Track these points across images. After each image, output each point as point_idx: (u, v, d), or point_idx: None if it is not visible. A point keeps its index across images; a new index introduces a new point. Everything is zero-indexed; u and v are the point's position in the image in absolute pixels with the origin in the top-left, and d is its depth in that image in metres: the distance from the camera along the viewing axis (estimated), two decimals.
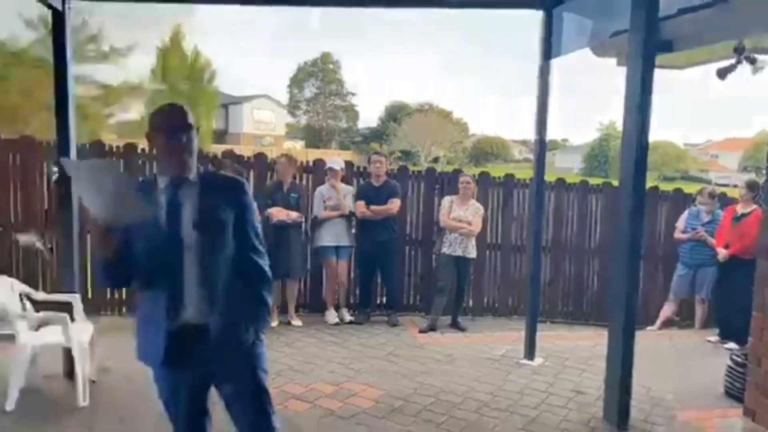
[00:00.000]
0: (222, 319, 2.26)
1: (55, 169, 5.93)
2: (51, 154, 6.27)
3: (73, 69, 4.52)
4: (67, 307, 4.25)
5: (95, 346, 4.44)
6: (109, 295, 6.49)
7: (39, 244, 6.31)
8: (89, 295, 6.34)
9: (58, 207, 4.48)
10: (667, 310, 6.91)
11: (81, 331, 4.17)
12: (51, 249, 6.37)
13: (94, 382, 4.31)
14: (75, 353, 3.94)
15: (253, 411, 2.41)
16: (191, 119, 2.25)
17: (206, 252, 2.25)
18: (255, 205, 2.43)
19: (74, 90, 4.46)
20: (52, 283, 6.33)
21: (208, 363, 2.30)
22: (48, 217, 6.36)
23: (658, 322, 6.95)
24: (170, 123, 2.23)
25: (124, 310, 6.49)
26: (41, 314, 4.32)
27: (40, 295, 4.54)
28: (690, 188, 8.29)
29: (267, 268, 2.42)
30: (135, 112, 18.84)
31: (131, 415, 3.83)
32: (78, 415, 3.80)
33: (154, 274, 2.23)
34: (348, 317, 6.50)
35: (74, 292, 4.40)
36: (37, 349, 4.14)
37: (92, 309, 6.32)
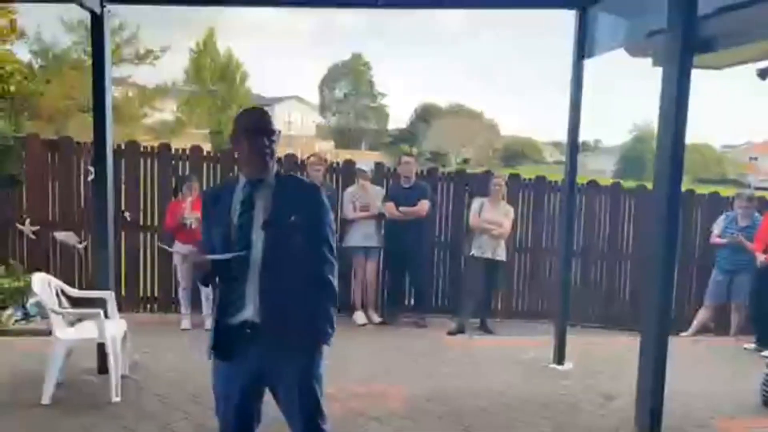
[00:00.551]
0: (280, 323, 2.27)
1: (92, 168, 6.08)
2: (88, 154, 6.45)
3: (111, 71, 4.62)
4: (101, 304, 4.35)
5: (128, 342, 4.54)
6: (141, 293, 6.62)
7: (76, 242, 6.48)
8: (123, 293, 6.50)
9: (95, 206, 4.58)
10: (703, 315, 6.74)
11: (114, 327, 4.27)
12: (86, 247, 6.54)
13: (126, 377, 4.41)
14: (108, 349, 4.03)
15: (303, 420, 2.39)
16: (274, 124, 2.35)
17: (271, 253, 2.27)
18: (331, 214, 2.45)
19: (111, 91, 4.55)
20: (87, 281, 6.50)
21: (260, 363, 2.31)
22: (84, 216, 6.53)
23: (693, 328, 6.78)
24: (256, 126, 2.32)
25: (156, 307, 6.62)
26: (76, 310, 4.44)
27: (76, 292, 4.67)
28: (727, 192, 8.08)
29: (334, 281, 2.41)
30: (169, 112, 19.20)
31: (161, 411, 3.89)
32: (111, 409, 3.88)
33: (223, 270, 2.30)
34: (376, 318, 6.51)
35: (108, 289, 4.49)
36: (73, 344, 4.25)
37: (126, 306, 6.49)
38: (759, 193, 7.34)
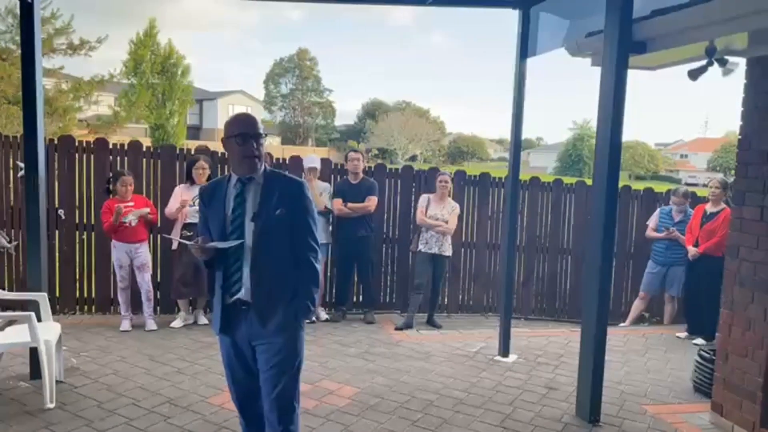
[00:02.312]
0: (266, 300, 2.60)
1: (21, 165, 5.78)
2: (18, 149, 6.12)
3: (42, 61, 4.39)
4: (33, 307, 4.14)
5: (63, 345, 4.34)
6: (77, 294, 6.35)
7: (6, 242, 6.15)
8: (57, 294, 6.21)
9: (26, 204, 4.35)
10: (638, 306, 7.03)
11: (48, 330, 4.07)
12: (18, 247, 6.21)
13: (61, 382, 4.22)
14: (41, 353, 3.84)
15: (274, 389, 2.63)
16: (261, 128, 2.66)
17: (259, 242, 2.59)
18: (313, 205, 2.74)
19: (42, 82, 4.33)
20: (18, 282, 6.18)
21: (250, 335, 2.64)
22: (14, 214, 6.20)
23: (629, 319, 7.06)
24: (243, 131, 2.60)
25: (93, 308, 6.36)
26: (6, 313, 4.22)
27: (6, 294, 4.43)
28: (660, 187, 8.43)
29: (317, 264, 2.71)
30: (106, 106, 18.43)
31: (99, 416, 3.75)
32: (45, 416, 3.71)
33: (220, 257, 2.63)
34: (324, 315, 6.47)
35: (41, 291, 4.27)
36: (2, 349, 4.03)
37: (61, 308, 6.21)
38: (690, 189, 7.68)
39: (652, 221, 6.94)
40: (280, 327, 2.62)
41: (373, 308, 6.69)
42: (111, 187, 5.80)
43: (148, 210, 5.72)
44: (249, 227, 2.60)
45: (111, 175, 5.97)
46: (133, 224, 5.61)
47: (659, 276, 6.77)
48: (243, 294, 2.62)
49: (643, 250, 7.33)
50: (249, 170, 2.62)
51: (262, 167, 2.67)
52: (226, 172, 6.53)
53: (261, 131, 2.64)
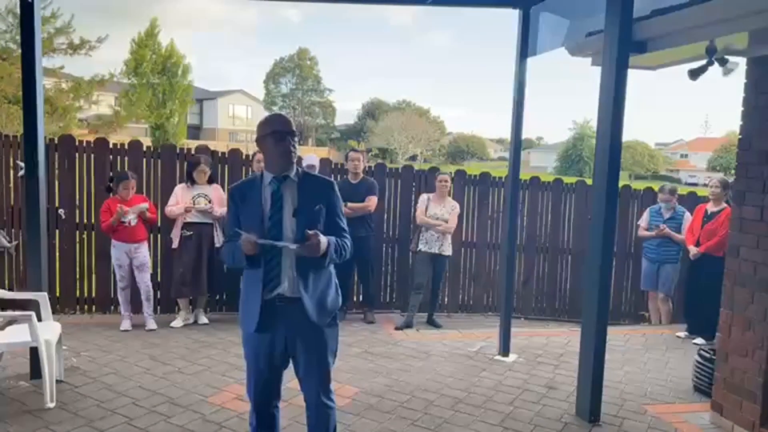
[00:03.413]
0: (312, 293, 2.70)
1: (22, 164, 5.78)
2: (18, 149, 6.12)
3: (42, 61, 4.38)
4: (33, 306, 4.14)
5: (63, 345, 4.34)
6: (78, 294, 6.35)
7: (6, 242, 6.15)
8: (58, 293, 6.22)
9: (26, 203, 4.35)
10: (652, 303, 7.08)
11: (48, 329, 4.07)
12: (18, 247, 6.22)
13: (62, 382, 4.22)
14: (42, 353, 3.84)
15: (317, 387, 2.80)
16: (294, 127, 2.75)
17: (301, 237, 2.64)
18: (340, 201, 2.88)
19: (42, 82, 4.32)
20: (19, 282, 6.19)
21: (288, 332, 2.71)
22: (15, 214, 6.20)
23: (653, 318, 7.09)
24: (279, 128, 2.70)
25: (93, 308, 6.36)
26: (7, 313, 4.22)
27: (6, 294, 4.43)
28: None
29: (349, 245, 2.84)
30: (106, 105, 18.43)
31: (99, 416, 3.75)
32: (45, 416, 3.71)
33: (259, 253, 2.64)
34: None
35: (41, 291, 4.27)
36: (3, 349, 4.04)
37: (62, 307, 6.21)
38: (689, 189, 7.69)
39: (643, 221, 6.96)
40: (323, 317, 2.74)
41: (373, 308, 6.69)
42: (112, 186, 5.79)
43: (146, 206, 5.72)
44: (289, 223, 2.69)
45: (112, 174, 5.96)
46: (133, 224, 5.61)
47: (652, 273, 6.78)
48: (283, 289, 2.68)
49: (641, 250, 7.33)
50: (285, 167, 2.70)
51: (295, 167, 2.76)
52: (226, 172, 6.60)
53: (294, 129, 2.75)
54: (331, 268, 2.84)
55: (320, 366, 2.80)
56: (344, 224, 2.87)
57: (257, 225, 2.65)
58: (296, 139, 2.74)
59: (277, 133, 2.68)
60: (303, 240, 2.62)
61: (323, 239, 2.62)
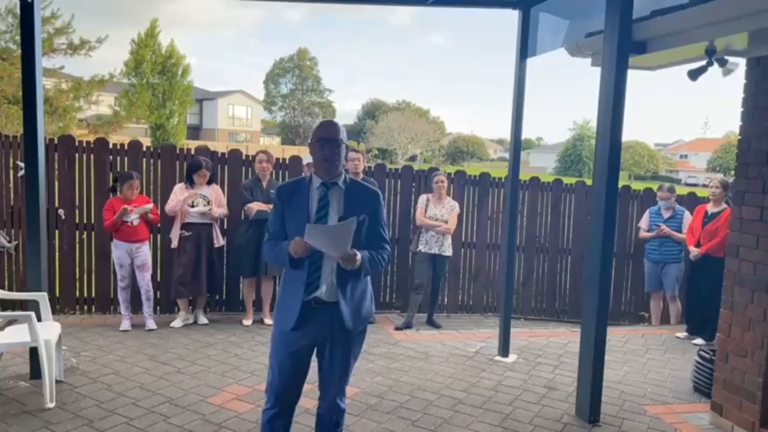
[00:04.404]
0: (349, 299, 2.77)
1: (22, 164, 5.78)
2: (18, 149, 6.12)
3: (42, 61, 4.39)
4: (33, 306, 4.14)
5: (62, 345, 4.34)
6: (77, 294, 6.35)
7: (6, 242, 6.15)
8: (57, 294, 6.22)
9: (26, 203, 4.35)
10: (653, 304, 7.06)
11: (48, 330, 4.07)
12: (18, 247, 6.21)
13: (62, 382, 4.22)
14: (41, 353, 3.84)
15: (335, 386, 2.89)
16: (342, 135, 2.80)
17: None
18: (384, 211, 2.92)
19: (42, 82, 4.32)
20: (18, 282, 6.18)
21: (319, 332, 2.78)
22: (14, 214, 6.20)
23: (654, 318, 7.09)
24: (323, 135, 2.75)
25: (93, 308, 6.36)
26: (6, 313, 4.22)
27: (6, 294, 4.43)
28: None
29: (386, 257, 2.89)
30: (106, 105, 18.43)
31: (99, 416, 3.75)
32: (45, 416, 3.71)
33: (309, 255, 2.68)
34: None
35: (41, 291, 4.27)
36: (2, 349, 4.03)
37: (62, 307, 6.21)
38: (689, 189, 7.69)
39: (643, 222, 6.96)
40: (357, 325, 2.83)
41: (374, 308, 6.67)
42: (117, 185, 5.77)
43: (151, 206, 5.73)
44: None
45: (117, 174, 5.94)
46: (135, 223, 5.61)
47: (655, 273, 6.77)
48: (321, 293, 2.73)
49: (642, 250, 7.33)
50: (327, 173, 2.75)
51: (343, 175, 2.81)
52: (226, 173, 6.59)
53: (340, 137, 2.77)
54: (368, 278, 2.89)
55: (343, 368, 2.87)
56: (386, 234, 2.91)
57: (302, 226, 2.63)
58: (342, 147, 2.78)
59: (321, 140, 2.74)
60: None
61: (359, 255, 2.66)
